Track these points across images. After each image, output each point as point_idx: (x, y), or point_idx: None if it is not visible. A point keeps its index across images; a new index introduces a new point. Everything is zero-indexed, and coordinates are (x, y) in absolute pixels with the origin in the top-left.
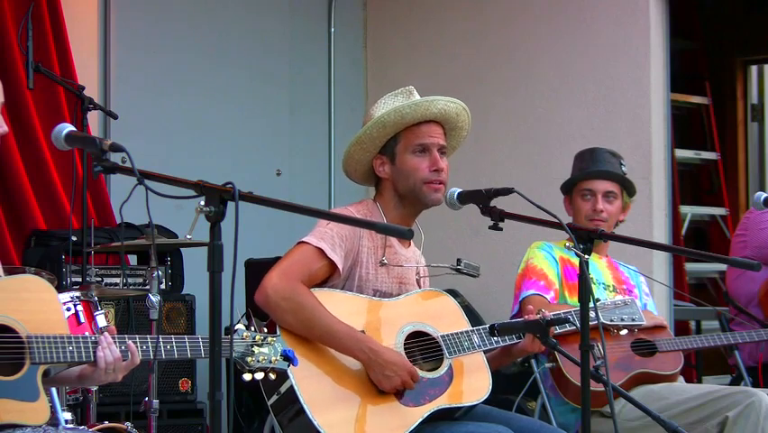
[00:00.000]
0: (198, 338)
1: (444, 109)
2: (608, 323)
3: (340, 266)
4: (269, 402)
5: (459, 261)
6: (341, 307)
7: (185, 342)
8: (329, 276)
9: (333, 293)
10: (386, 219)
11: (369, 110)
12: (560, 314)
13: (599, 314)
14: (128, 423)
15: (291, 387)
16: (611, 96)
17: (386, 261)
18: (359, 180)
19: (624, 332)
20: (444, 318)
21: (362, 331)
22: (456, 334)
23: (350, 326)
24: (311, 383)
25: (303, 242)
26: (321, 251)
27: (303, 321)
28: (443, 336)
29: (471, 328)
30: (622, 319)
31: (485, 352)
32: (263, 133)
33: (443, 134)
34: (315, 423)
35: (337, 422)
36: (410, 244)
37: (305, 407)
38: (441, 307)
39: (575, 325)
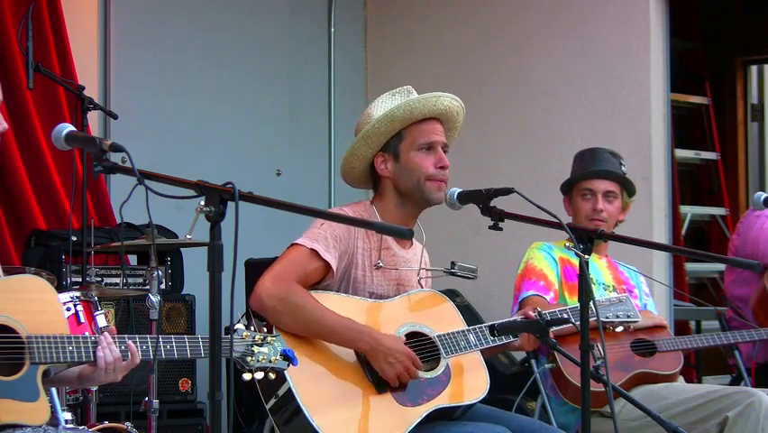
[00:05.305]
0: (198, 338)
1: (449, 106)
2: (604, 320)
3: (334, 267)
4: (268, 406)
5: (453, 264)
6: (335, 308)
7: (185, 342)
8: (323, 277)
9: (327, 295)
10: (382, 221)
11: (366, 109)
12: (556, 313)
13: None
14: (128, 423)
15: (289, 389)
16: (611, 96)
17: (381, 264)
18: (355, 182)
19: (619, 329)
20: (440, 318)
21: None
22: (453, 333)
23: (348, 318)
24: (309, 385)
25: (296, 243)
26: (315, 252)
27: (300, 320)
28: (439, 336)
29: (468, 328)
30: (617, 316)
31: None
32: (263, 133)
33: (443, 132)
34: (314, 424)
35: (335, 423)
36: (411, 245)
37: (303, 408)
38: (436, 307)
39: (574, 324)
